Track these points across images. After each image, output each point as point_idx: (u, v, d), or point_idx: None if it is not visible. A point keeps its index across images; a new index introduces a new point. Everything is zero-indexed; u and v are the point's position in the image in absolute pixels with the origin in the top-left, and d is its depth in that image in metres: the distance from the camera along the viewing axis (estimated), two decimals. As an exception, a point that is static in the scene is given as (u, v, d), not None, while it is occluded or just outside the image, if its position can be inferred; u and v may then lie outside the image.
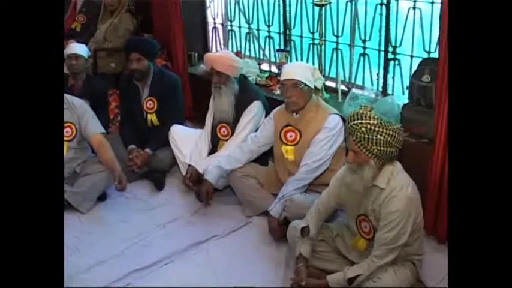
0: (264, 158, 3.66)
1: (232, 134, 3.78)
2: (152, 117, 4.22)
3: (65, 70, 4.74)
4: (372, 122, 2.43)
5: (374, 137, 2.42)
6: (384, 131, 2.43)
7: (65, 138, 3.74)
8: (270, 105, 3.78)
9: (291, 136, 3.35)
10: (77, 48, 4.50)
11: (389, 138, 2.43)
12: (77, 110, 3.79)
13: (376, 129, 2.42)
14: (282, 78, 3.30)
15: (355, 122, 2.45)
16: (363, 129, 2.42)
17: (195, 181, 3.71)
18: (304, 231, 2.83)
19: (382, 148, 2.44)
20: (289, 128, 3.35)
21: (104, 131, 3.90)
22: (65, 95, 3.82)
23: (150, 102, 4.20)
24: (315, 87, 3.28)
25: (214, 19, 5.46)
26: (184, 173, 3.85)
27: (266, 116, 3.65)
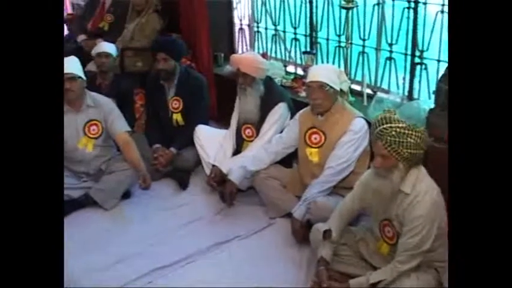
0: (288, 160, 3.65)
1: (257, 135, 3.78)
2: (177, 117, 4.24)
3: (93, 68, 4.82)
4: (401, 125, 2.42)
5: (404, 140, 2.40)
6: (414, 133, 2.42)
7: (91, 136, 3.80)
8: (295, 107, 3.78)
9: (315, 138, 3.35)
10: (106, 47, 4.58)
11: (418, 141, 2.42)
12: (104, 108, 3.84)
13: (406, 132, 2.40)
14: (308, 80, 3.30)
15: (385, 126, 2.44)
16: (393, 133, 2.40)
17: (218, 181, 3.71)
18: (327, 234, 2.82)
19: (412, 151, 2.42)
20: (314, 130, 3.35)
21: (129, 129, 3.94)
22: (92, 93, 3.88)
23: (175, 101, 4.23)
24: (340, 89, 3.27)
25: (240, 20, 5.48)
26: (208, 173, 3.85)
27: (291, 118, 3.64)
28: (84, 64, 3.95)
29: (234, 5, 5.50)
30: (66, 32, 7.00)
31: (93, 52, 4.62)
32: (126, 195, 3.91)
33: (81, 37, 5.61)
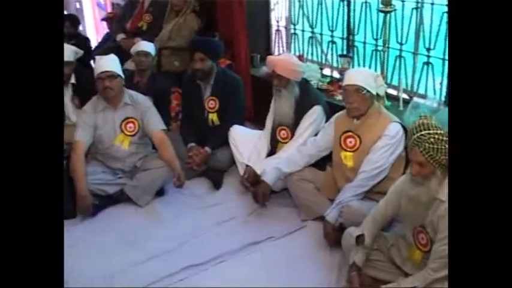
0: (322, 162, 3.64)
1: (292, 137, 3.78)
2: (213, 117, 4.28)
3: (131, 67, 4.89)
4: (439, 132, 2.38)
5: (443, 147, 2.37)
6: None
7: (127, 133, 3.85)
8: (330, 110, 3.76)
9: (350, 142, 3.33)
10: (146, 46, 4.65)
11: None
12: (141, 106, 3.89)
13: (444, 138, 2.36)
14: (344, 83, 3.29)
15: (422, 132, 2.40)
16: (432, 139, 2.37)
17: (252, 182, 3.73)
18: (359, 239, 2.81)
19: None
20: (349, 134, 3.33)
21: (165, 127, 3.99)
22: (130, 91, 3.94)
23: (211, 101, 4.26)
24: (377, 94, 3.25)
25: (277, 22, 5.48)
26: (242, 173, 3.88)
27: (326, 121, 3.64)
28: (122, 62, 4.00)
29: (272, 6, 5.51)
30: (106, 30, 7.15)
31: (132, 51, 4.68)
32: (160, 192, 3.96)
33: (120, 36, 5.69)
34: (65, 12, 8.27)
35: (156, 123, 3.89)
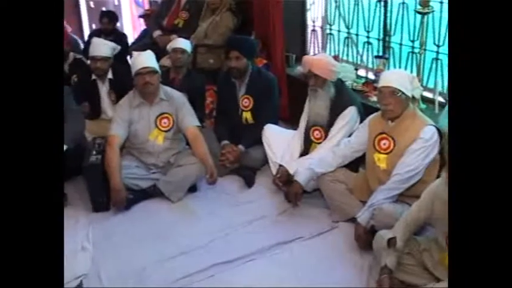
0: (355, 164, 3.62)
1: (326, 137, 3.76)
2: (247, 115, 4.30)
3: (166, 63, 4.94)
4: None
5: None
6: None
7: (162, 129, 3.90)
8: (364, 111, 3.75)
9: (384, 144, 3.31)
10: (182, 43, 4.71)
11: None
12: (176, 103, 3.93)
13: None
14: (379, 84, 3.26)
15: None
16: None
17: (284, 181, 3.73)
18: (391, 242, 2.78)
19: None
20: (384, 135, 3.31)
21: (199, 124, 4.02)
22: (165, 87, 3.99)
23: (246, 100, 4.29)
24: (412, 96, 3.22)
25: (313, 22, 5.47)
26: (274, 172, 3.87)
27: (360, 122, 3.62)
28: (158, 59, 4.05)
29: (308, 6, 5.50)
30: (143, 27, 7.23)
31: (169, 47, 4.74)
32: (193, 189, 3.99)
33: (157, 33, 5.76)
34: (103, 9, 8.42)
35: (190, 120, 3.93)
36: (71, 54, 5.51)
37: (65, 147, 3.73)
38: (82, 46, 6.82)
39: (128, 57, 5.69)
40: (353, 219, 3.30)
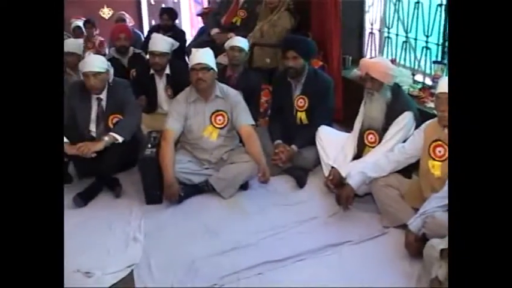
0: (409, 170, 3.58)
1: (380, 141, 3.72)
2: (301, 115, 4.29)
3: (223, 61, 4.99)
4: None
5: None
6: None
7: (216, 126, 3.94)
8: (420, 117, 3.69)
9: (439, 151, 3.25)
10: (240, 41, 4.75)
11: None
12: (231, 100, 3.97)
13: None
14: (437, 91, 3.21)
15: None
16: None
17: (336, 184, 3.71)
18: (444, 253, 2.74)
19: None
20: (439, 143, 3.25)
21: (253, 123, 4.05)
22: (221, 84, 4.03)
23: (301, 100, 4.28)
24: (471, 104, 3.16)
25: (371, 24, 5.43)
26: (326, 174, 3.86)
27: (416, 128, 3.57)
28: (215, 56, 4.10)
29: (366, 8, 5.47)
30: (201, 25, 7.33)
31: (227, 45, 4.79)
32: (244, 186, 4.02)
33: (214, 30, 5.83)
34: (163, 5, 8.56)
35: (245, 118, 3.96)
36: (131, 49, 5.63)
37: (121, 138, 3.83)
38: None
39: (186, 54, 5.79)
40: (404, 226, 3.25)
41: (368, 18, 5.48)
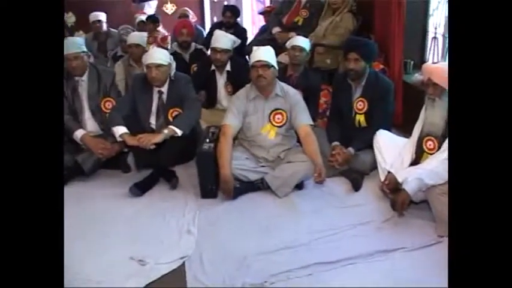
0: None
1: (439, 148, 3.64)
2: (360, 118, 4.27)
3: (283, 60, 5.01)
4: None
5: None
6: None
7: (274, 124, 3.97)
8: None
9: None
10: (302, 41, 4.77)
11: None
12: (291, 99, 3.98)
13: None
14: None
15: None
16: None
17: (392, 189, 3.66)
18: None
19: None
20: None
21: (312, 123, 4.05)
22: (281, 83, 4.06)
23: (360, 102, 4.25)
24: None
25: (435, 28, 5.32)
26: (382, 178, 3.82)
27: (477, 137, 3.49)
28: (275, 55, 4.12)
29: (430, 12, 5.37)
30: (262, 23, 7.37)
31: (288, 44, 4.81)
32: (299, 186, 4.02)
33: (276, 29, 5.86)
34: (226, 3, 8.65)
35: (303, 118, 3.97)
36: (193, 45, 5.72)
37: (180, 132, 3.90)
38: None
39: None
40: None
41: (432, 22, 5.37)
